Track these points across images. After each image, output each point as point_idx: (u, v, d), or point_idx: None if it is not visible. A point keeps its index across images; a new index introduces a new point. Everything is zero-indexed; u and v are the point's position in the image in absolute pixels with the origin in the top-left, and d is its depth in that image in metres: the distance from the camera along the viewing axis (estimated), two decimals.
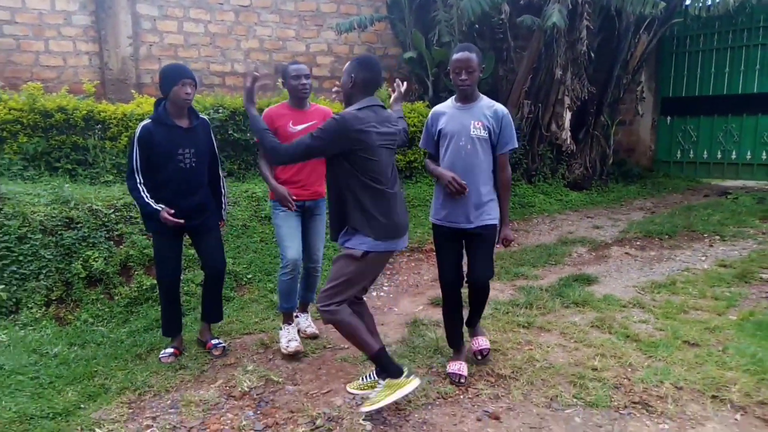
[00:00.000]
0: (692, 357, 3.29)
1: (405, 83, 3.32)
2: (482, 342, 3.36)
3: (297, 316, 3.80)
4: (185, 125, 3.32)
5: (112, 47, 6.82)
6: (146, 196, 3.23)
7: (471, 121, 2.94)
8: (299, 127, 3.42)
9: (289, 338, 3.51)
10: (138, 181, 3.24)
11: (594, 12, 7.72)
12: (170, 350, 3.46)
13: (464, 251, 3.15)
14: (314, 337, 3.77)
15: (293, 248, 3.45)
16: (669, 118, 10.12)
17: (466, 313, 3.35)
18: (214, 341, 3.59)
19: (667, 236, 6.17)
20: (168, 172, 3.26)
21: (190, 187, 3.34)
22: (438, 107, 3.14)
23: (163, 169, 3.25)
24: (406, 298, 4.63)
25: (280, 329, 3.61)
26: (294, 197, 3.39)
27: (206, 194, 3.47)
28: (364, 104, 2.70)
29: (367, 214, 2.67)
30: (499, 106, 3.00)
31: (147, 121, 3.28)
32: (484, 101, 3.02)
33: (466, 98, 3.00)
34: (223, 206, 3.66)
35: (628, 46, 8.46)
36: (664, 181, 9.55)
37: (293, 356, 3.45)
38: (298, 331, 3.71)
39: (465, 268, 3.18)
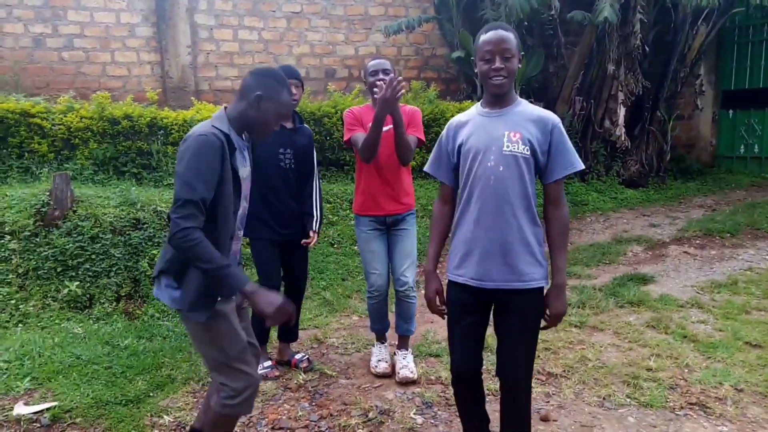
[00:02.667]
0: (754, 359, 3.19)
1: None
2: None
3: (394, 354, 3.35)
4: (289, 126, 3.23)
5: (172, 56, 7.17)
6: None
7: (505, 132, 1.99)
8: (385, 128, 2.99)
9: (379, 358, 3.30)
10: None
11: (648, 4, 7.51)
12: (269, 363, 3.31)
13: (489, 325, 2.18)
14: (412, 382, 3.11)
15: (377, 274, 3.19)
16: (731, 111, 9.68)
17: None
18: (297, 356, 3.42)
19: (728, 234, 5.93)
20: (269, 172, 3.14)
21: (288, 189, 3.22)
22: (457, 117, 2.17)
23: (263, 170, 3.07)
24: None
25: (373, 345, 3.45)
26: (377, 213, 3.16)
27: (305, 201, 3.32)
28: None
29: None
30: (547, 114, 2.06)
31: None
32: (524, 105, 2.08)
33: (499, 100, 2.05)
34: (317, 218, 3.36)
35: (685, 38, 8.15)
36: (726, 178, 9.13)
37: (381, 376, 3.21)
38: (394, 371, 3.23)
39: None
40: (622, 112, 7.59)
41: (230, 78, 7.56)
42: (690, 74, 8.69)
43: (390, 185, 3.12)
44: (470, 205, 2.05)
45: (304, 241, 3.30)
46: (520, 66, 2.06)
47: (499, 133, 2.00)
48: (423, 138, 3.11)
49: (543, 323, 2.08)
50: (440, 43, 8.36)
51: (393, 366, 3.26)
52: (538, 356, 3.34)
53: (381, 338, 3.40)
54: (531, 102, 2.19)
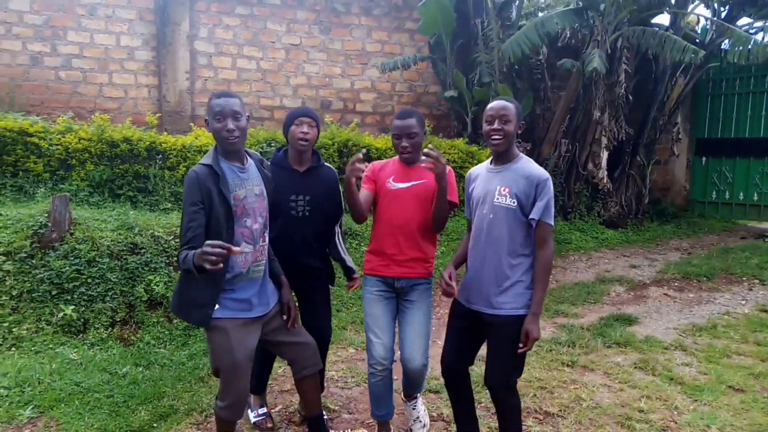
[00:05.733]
0: (738, 402, 3.36)
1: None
2: None
3: (404, 403, 3.12)
4: (301, 168, 2.94)
5: (170, 81, 7.24)
6: None
7: (498, 187, 2.45)
8: (401, 185, 2.77)
9: None
10: None
11: (631, 56, 7.92)
12: (264, 410, 3.13)
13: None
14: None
15: (378, 343, 2.75)
16: (704, 158, 10.17)
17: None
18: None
19: (705, 278, 6.20)
20: (280, 222, 2.85)
21: (302, 239, 2.91)
22: (475, 168, 2.71)
23: (275, 220, 2.78)
24: None
25: None
26: (385, 274, 2.81)
27: (320, 249, 3.03)
28: None
29: None
30: (538, 171, 2.43)
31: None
32: (522, 163, 2.48)
33: (499, 157, 2.51)
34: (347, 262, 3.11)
35: (664, 88, 8.61)
36: (699, 222, 9.54)
37: None
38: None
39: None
40: (605, 155, 7.92)
41: None
42: (668, 122, 9.14)
43: (406, 249, 2.77)
44: (471, 242, 2.58)
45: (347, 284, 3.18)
46: (520, 131, 2.49)
47: (494, 187, 2.48)
48: (456, 200, 2.75)
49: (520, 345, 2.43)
50: (433, 81, 8.63)
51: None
52: (534, 395, 3.45)
53: (384, 427, 2.94)
54: (518, 145, 2.67)
